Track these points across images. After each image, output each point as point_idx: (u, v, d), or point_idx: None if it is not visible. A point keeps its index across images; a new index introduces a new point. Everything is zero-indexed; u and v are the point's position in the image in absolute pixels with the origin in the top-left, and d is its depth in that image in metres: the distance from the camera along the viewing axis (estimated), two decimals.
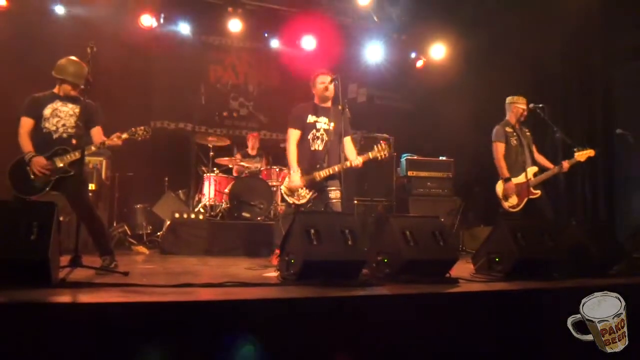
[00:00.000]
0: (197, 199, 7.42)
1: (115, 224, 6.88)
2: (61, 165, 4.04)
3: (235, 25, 8.32)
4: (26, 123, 4.13)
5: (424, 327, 2.95)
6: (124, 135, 4.22)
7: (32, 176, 4.03)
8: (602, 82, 6.65)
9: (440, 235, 3.79)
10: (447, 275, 3.73)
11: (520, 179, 5.37)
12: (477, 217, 7.60)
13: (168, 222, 6.33)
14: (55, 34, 7.10)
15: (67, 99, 4.21)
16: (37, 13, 7.30)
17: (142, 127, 4.27)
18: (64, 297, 2.60)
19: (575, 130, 6.77)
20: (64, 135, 4.12)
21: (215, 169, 7.25)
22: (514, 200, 5.36)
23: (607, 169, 6.65)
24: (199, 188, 7.48)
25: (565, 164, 5.27)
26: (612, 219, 6.48)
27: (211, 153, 7.30)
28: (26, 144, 4.09)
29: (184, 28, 8.28)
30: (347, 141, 4.76)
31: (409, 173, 7.46)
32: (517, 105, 5.50)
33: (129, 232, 6.79)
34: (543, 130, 5.72)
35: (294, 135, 4.70)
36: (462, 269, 4.24)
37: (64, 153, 4.06)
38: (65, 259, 3.45)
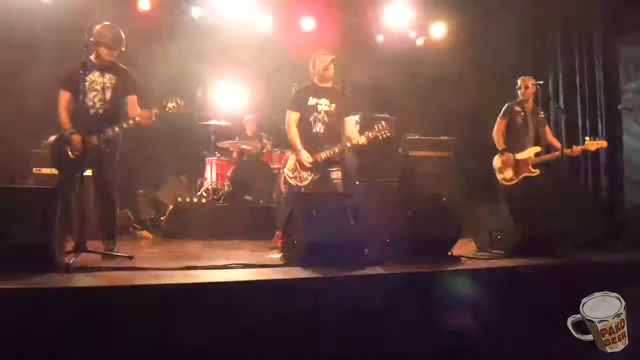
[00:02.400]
0: (199, 183, 7.42)
1: (118, 210, 6.90)
2: (97, 142, 3.98)
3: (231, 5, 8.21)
4: (64, 97, 4.09)
5: (427, 305, 2.98)
6: (154, 110, 4.11)
7: (70, 154, 4.01)
8: (605, 57, 6.59)
9: (443, 213, 3.80)
10: (450, 253, 3.75)
11: (521, 155, 5.46)
12: (480, 196, 7.59)
13: (171, 207, 6.35)
14: (48, 16, 6.98)
15: (104, 68, 4.12)
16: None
17: (174, 99, 4.14)
18: (70, 282, 2.63)
19: (577, 107, 6.74)
20: (100, 110, 4.07)
21: (216, 152, 7.25)
22: (509, 173, 5.47)
23: (610, 145, 6.63)
24: (200, 172, 7.49)
25: (576, 149, 5.33)
26: (615, 195, 6.48)
27: (212, 137, 7.29)
28: (64, 120, 4.07)
29: (181, 10, 8.18)
30: (348, 121, 4.74)
31: (411, 153, 7.43)
32: (520, 87, 5.59)
33: (132, 217, 6.80)
34: (544, 107, 5.71)
35: (293, 117, 4.70)
36: (465, 247, 4.26)
37: (100, 130, 3.98)
38: (69, 244, 3.48)
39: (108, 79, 4.11)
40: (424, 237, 3.65)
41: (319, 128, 4.68)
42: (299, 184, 4.64)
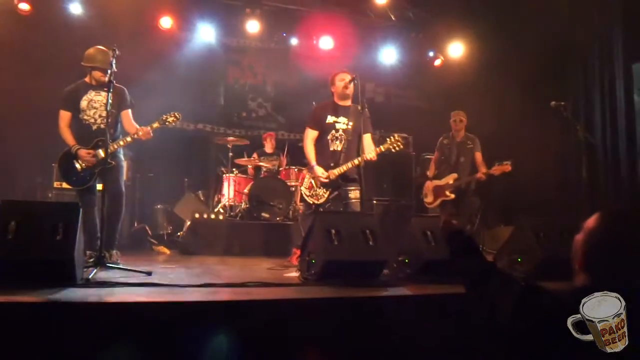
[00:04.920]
0: (216, 199, 7.46)
1: (136, 224, 6.96)
2: (103, 156, 4.12)
3: (253, 26, 8.32)
4: (65, 116, 4.35)
5: (445, 327, 2.93)
6: (155, 125, 4.32)
7: (78, 168, 4.23)
8: (625, 79, 6.54)
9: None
10: None
11: (439, 182, 6.24)
12: (497, 216, 7.51)
13: (188, 223, 6.38)
14: (73, 37, 7.14)
15: (99, 87, 4.35)
16: (55, 18, 7.33)
17: (172, 113, 4.36)
18: (90, 297, 2.64)
19: (597, 127, 6.68)
20: (102, 126, 4.22)
21: (234, 169, 7.29)
22: (430, 198, 6.31)
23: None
24: (218, 188, 7.52)
25: (480, 175, 5.93)
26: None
27: (230, 153, 7.34)
28: (69, 137, 4.32)
29: (202, 29, 8.31)
30: (367, 138, 4.72)
31: (428, 173, 7.40)
32: (452, 121, 6.25)
33: (149, 232, 6.86)
34: (567, 127, 5.68)
35: (311, 134, 4.72)
36: None
37: (104, 145, 4.12)
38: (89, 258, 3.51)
39: (104, 96, 4.27)
40: (442, 258, 3.60)
41: (336, 146, 4.67)
42: (315, 201, 4.63)
